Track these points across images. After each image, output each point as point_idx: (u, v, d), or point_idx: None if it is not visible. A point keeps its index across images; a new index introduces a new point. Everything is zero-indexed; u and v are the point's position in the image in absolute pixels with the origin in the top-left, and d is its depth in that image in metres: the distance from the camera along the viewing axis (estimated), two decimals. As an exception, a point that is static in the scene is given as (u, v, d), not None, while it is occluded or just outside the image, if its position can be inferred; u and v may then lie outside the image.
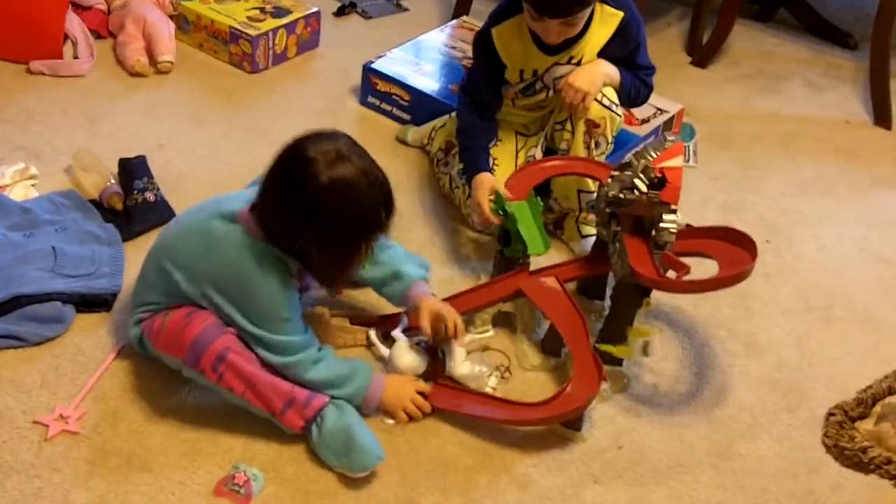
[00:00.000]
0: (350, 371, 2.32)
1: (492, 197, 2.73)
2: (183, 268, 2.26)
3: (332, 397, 2.27)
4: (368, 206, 2.15)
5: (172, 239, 2.35)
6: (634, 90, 2.92)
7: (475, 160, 2.87)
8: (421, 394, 2.39)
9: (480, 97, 2.92)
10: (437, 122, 3.27)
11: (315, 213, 2.11)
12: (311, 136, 2.17)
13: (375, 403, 2.34)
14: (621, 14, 2.80)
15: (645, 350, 2.60)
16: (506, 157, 2.98)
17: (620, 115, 2.88)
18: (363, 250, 2.20)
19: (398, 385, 2.38)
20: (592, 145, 2.86)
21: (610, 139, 2.88)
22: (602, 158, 2.87)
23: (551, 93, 2.90)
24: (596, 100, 2.80)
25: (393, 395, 2.36)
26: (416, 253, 2.69)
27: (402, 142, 3.38)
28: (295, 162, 2.13)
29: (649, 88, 2.97)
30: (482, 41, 2.88)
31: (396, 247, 2.54)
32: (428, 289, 2.53)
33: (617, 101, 2.85)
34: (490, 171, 2.84)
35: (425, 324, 2.44)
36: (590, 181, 2.88)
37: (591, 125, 2.83)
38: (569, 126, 2.87)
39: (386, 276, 2.51)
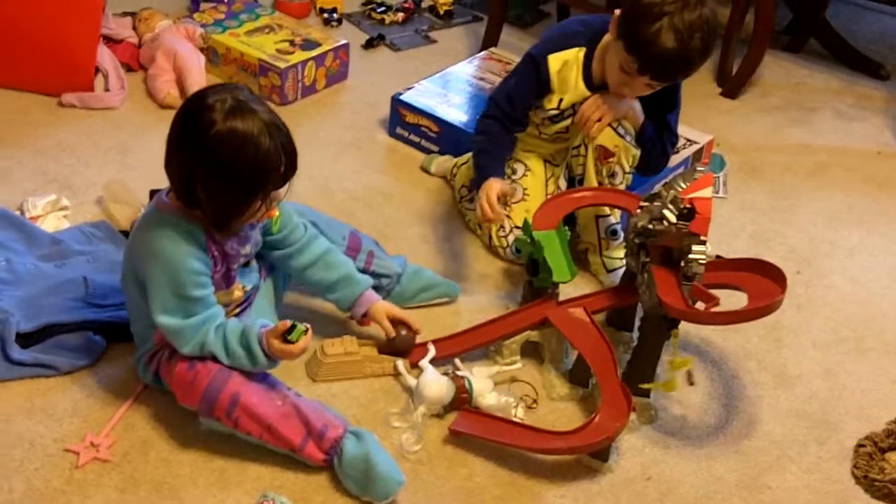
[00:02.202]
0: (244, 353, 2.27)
1: (504, 200, 2.75)
2: (125, 275, 2.34)
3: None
4: (264, 155, 2.13)
5: None
6: (651, 144, 2.88)
7: (491, 164, 2.86)
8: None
9: (511, 112, 2.89)
10: (460, 158, 3.27)
11: (210, 160, 2.11)
12: (212, 86, 2.20)
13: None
14: None
15: (690, 379, 2.57)
16: (537, 187, 2.99)
17: (636, 149, 2.85)
18: (259, 201, 2.19)
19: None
20: (605, 174, 2.84)
21: (627, 170, 2.86)
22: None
23: (575, 118, 2.88)
24: (611, 126, 2.79)
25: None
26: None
27: (426, 171, 3.39)
28: (194, 110, 2.14)
29: (666, 157, 2.95)
30: (535, 63, 2.84)
31: (337, 251, 2.59)
32: (378, 297, 2.59)
33: (633, 134, 2.84)
34: (503, 178, 2.83)
35: (386, 323, 2.53)
36: (606, 207, 2.89)
37: (604, 153, 2.82)
38: (583, 150, 2.87)
39: (337, 279, 2.55)
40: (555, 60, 2.81)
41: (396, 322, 2.58)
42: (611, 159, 2.83)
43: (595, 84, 2.81)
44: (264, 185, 2.18)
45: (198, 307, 2.24)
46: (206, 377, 2.22)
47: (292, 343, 2.23)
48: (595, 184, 2.86)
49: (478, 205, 2.76)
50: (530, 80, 2.86)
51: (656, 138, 2.88)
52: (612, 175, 2.84)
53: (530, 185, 2.97)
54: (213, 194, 2.15)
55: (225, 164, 2.11)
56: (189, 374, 2.23)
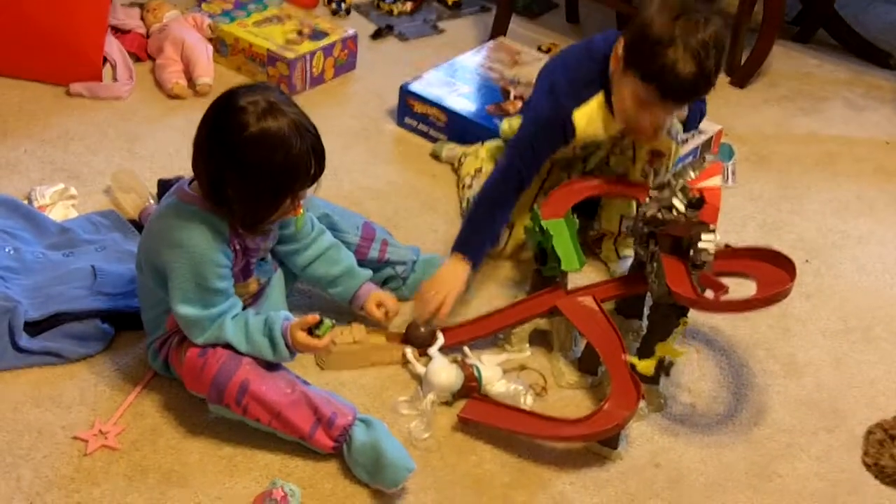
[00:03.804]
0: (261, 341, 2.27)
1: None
2: (140, 264, 2.34)
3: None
4: (296, 156, 2.14)
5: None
6: (699, 116, 2.89)
7: (477, 239, 2.72)
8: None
9: (529, 179, 2.75)
10: (468, 147, 3.27)
11: (242, 161, 2.12)
12: (242, 87, 2.19)
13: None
14: None
15: (666, 369, 2.56)
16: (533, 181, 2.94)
17: (682, 144, 2.85)
18: (289, 201, 2.22)
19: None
20: (651, 174, 2.78)
21: (670, 168, 2.79)
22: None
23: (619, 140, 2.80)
24: None
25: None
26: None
27: (437, 158, 3.39)
28: (226, 112, 2.15)
29: (703, 114, 2.94)
30: (561, 124, 2.66)
31: (340, 245, 2.61)
32: (376, 288, 2.62)
33: (681, 130, 2.82)
34: (478, 267, 2.71)
35: (373, 309, 2.57)
36: (634, 208, 2.87)
37: (656, 154, 2.78)
38: (630, 153, 2.80)
39: (339, 273, 2.57)
40: (581, 118, 2.67)
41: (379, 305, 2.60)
42: (660, 160, 2.79)
43: None
44: (294, 186, 2.20)
45: (218, 299, 2.25)
46: (215, 364, 2.22)
47: (319, 337, 2.25)
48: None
49: (426, 293, 2.63)
50: (556, 139, 2.71)
51: (697, 111, 2.86)
52: (656, 174, 2.77)
53: None
54: (243, 195, 2.16)
55: (256, 167, 2.12)
56: (199, 360, 2.23)
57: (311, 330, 2.25)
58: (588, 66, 2.70)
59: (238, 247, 2.29)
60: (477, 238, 2.72)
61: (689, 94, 2.57)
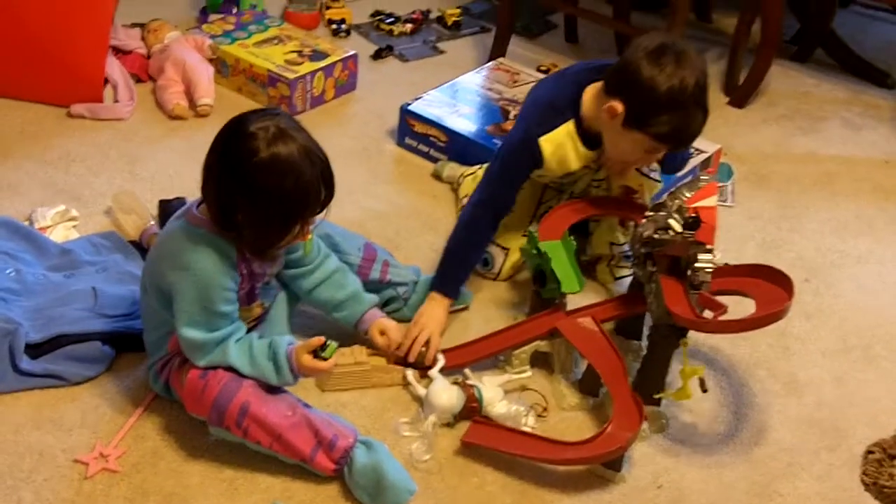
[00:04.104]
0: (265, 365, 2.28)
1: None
2: (145, 285, 2.35)
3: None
4: (306, 183, 2.15)
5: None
6: (677, 162, 2.87)
7: (453, 273, 2.73)
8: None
9: (505, 207, 2.77)
10: (467, 168, 3.28)
11: (253, 187, 2.12)
12: (252, 112, 2.20)
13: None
14: None
15: (703, 386, 2.56)
16: (526, 201, 2.95)
17: (660, 181, 2.86)
18: (298, 227, 2.23)
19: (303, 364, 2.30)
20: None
21: (649, 202, 2.82)
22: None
23: (593, 166, 2.82)
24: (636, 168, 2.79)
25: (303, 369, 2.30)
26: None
27: (438, 177, 3.40)
28: (236, 137, 2.15)
29: (687, 159, 2.95)
30: (528, 147, 2.69)
31: (346, 269, 2.62)
32: (381, 314, 2.62)
33: (657, 169, 2.83)
34: (458, 297, 2.74)
35: (375, 335, 2.56)
36: (620, 234, 2.90)
37: (628, 190, 2.82)
38: (605, 186, 2.85)
39: (345, 298, 2.58)
40: (547, 144, 2.69)
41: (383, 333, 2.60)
42: (634, 196, 2.83)
43: (593, 138, 2.71)
44: (304, 213, 2.20)
45: (223, 322, 2.25)
46: (216, 386, 2.22)
47: (324, 359, 2.25)
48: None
49: (412, 334, 2.61)
50: (525, 164, 2.74)
51: (678, 155, 2.85)
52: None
53: (519, 199, 2.87)
54: (254, 220, 2.17)
55: (267, 192, 2.13)
56: (200, 382, 2.23)
57: (315, 352, 2.25)
58: (559, 94, 2.73)
59: (245, 271, 2.30)
60: (453, 273, 2.74)
61: (694, 139, 2.62)
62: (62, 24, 3.44)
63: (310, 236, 2.33)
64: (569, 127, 2.69)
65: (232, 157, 2.14)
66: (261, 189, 2.12)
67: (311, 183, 2.16)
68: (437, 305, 2.67)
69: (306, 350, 2.25)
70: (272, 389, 2.28)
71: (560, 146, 2.70)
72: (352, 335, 2.62)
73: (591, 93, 2.67)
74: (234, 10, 4.10)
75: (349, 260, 2.65)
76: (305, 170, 2.14)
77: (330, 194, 2.22)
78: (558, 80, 2.83)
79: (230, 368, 2.24)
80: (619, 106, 2.54)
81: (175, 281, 2.22)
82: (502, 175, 2.76)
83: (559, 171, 2.76)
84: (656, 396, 2.49)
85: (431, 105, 3.53)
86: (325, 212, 2.25)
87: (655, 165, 2.81)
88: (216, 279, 2.21)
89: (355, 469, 2.22)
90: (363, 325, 2.59)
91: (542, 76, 3.72)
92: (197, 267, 2.20)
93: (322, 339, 2.26)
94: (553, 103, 2.72)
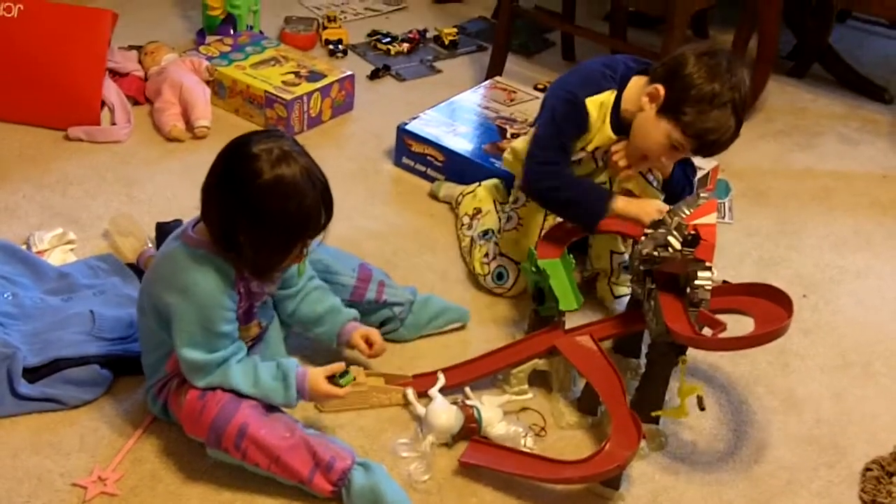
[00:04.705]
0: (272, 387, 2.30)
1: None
2: (143, 307, 2.34)
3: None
4: (308, 205, 2.16)
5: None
6: (681, 187, 2.85)
7: (595, 196, 2.75)
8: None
9: (565, 154, 2.76)
10: (466, 187, 3.28)
11: (256, 209, 2.13)
12: (254, 133, 2.21)
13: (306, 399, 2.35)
14: None
15: (700, 404, 2.56)
16: (531, 217, 2.94)
17: (661, 193, 2.85)
18: (298, 249, 2.23)
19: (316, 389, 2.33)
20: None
21: None
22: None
23: (600, 164, 2.83)
24: (640, 172, 2.79)
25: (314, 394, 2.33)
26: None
27: (435, 197, 3.40)
28: (239, 158, 2.16)
29: (691, 187, 2.92)
30: (575, 106, 2.71)
31: (325, 287, 2.61)
32: (362, 326, 2.60)
33: (660, 179, 2.83)
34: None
35: (359, 342, 2.54)
36: (620, 243, 2.89)
37: (629, 195, 2.81)
38: (607, 188, 2.84)
39: (324, 311, 2.57)
40: (592, 104, 2.71)
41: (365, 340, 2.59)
42: None
43: (622, 129, 2.75)
44: (305, 235, 2.21)
45: (224, 342, 2.25)
46: (214, 407, 2.22)
47: (341, 386, 2.28)
48: None
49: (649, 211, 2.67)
50: (573, 121, 2.74)
51: (684, 178, 2.86)
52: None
53: (526, 216, 2.92)
54: (255, 242, 2.17)
55: (270, 214, 2.13)
56: (199, 403, 2.23)
57: (333, 377, 2.27)
58: (605, 71, 2.76)
59: (243, 290, 2.29)
60: (594, 195, 2.75)
61: (720, 150, 2.66)
62: (59, 48, 3.45)
63: (304, 259, 2.33)
64: (609, 96, 2.72)
65: (235, 178, 2.14)
66: (264, 211, 2.13)
67: (314, 205, 2.16)
68: (625, 201, 2.72)
69: (325, 374, 2.27)
70: (270, 411, 2.28)
71: (600, 108, 2.73)
72: (336, 355, 2.61)
73: (636, 82, 2.71)
74: (231, 32, 4.11)
75: (343, 281, 2.66)
76: (308, 192, 2.14)
77: (329, 217, 2.22)
78: (608, 58, 2.86)
79: (229, 389, 2.24)
80: (661, 89, 2.59)
81: (174, 302, 2.22)
82: (558, 132, 2.75)
83: (589, 138, 2.77)
84: (654, 414, 2.49)
85: (429, 124, 3.54)
86: (323, 234, 2.26)
87: (660, 177, 2.82)
88: (217, 299, 2.21)
89: (353, 490, 2.22)
90: (344, 337, 2.57)
91: (539, 94, 3.73)
92: (197, 288, 2.20)
93: (343, 365, 2.29)
94: (599, 74, 2.75)
